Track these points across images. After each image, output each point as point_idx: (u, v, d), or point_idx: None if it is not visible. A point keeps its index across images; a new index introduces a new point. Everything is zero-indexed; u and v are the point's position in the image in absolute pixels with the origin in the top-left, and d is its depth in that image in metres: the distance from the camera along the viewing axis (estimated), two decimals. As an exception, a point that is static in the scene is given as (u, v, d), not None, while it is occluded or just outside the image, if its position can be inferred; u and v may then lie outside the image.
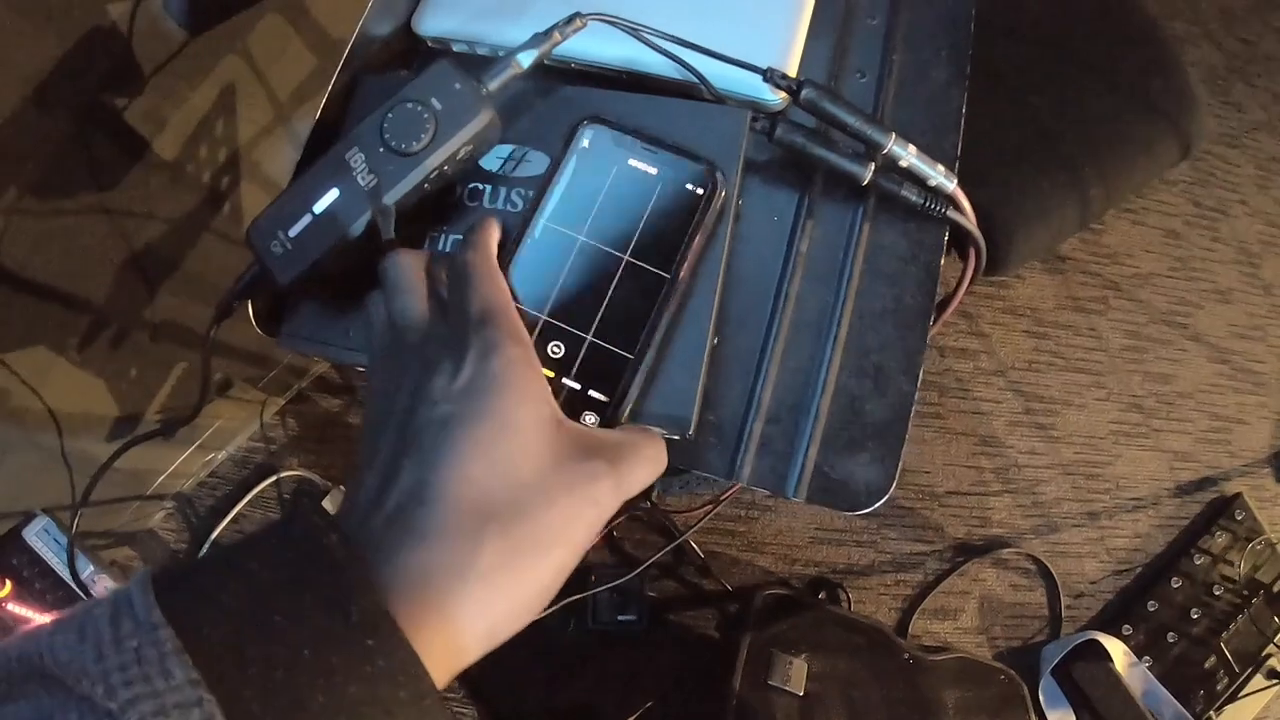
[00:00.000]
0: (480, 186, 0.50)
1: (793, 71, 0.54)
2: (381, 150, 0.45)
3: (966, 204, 0.52)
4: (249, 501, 1.27)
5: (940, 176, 0.51)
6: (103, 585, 0.87)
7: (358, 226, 0.45)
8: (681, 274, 0.42)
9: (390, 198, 0.45)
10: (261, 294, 0.51)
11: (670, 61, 0.52)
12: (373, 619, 0.23)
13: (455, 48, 0.57)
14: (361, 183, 0.45)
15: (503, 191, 0.50)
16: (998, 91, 0.98)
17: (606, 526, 1.18)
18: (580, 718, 1.17)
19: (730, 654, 1.05)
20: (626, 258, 0.42)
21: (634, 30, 0.51)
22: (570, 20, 0.48)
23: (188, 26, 0.85)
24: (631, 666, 1.15)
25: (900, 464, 0.50)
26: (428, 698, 0.22)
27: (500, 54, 0.52)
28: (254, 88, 0.92)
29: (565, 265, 0.42)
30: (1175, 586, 1.23)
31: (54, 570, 0.89)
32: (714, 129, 0.50)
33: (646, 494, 1.16)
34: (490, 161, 0.50)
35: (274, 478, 1.26)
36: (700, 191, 0.44)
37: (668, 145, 0.44)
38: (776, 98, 0.52)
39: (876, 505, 0.49)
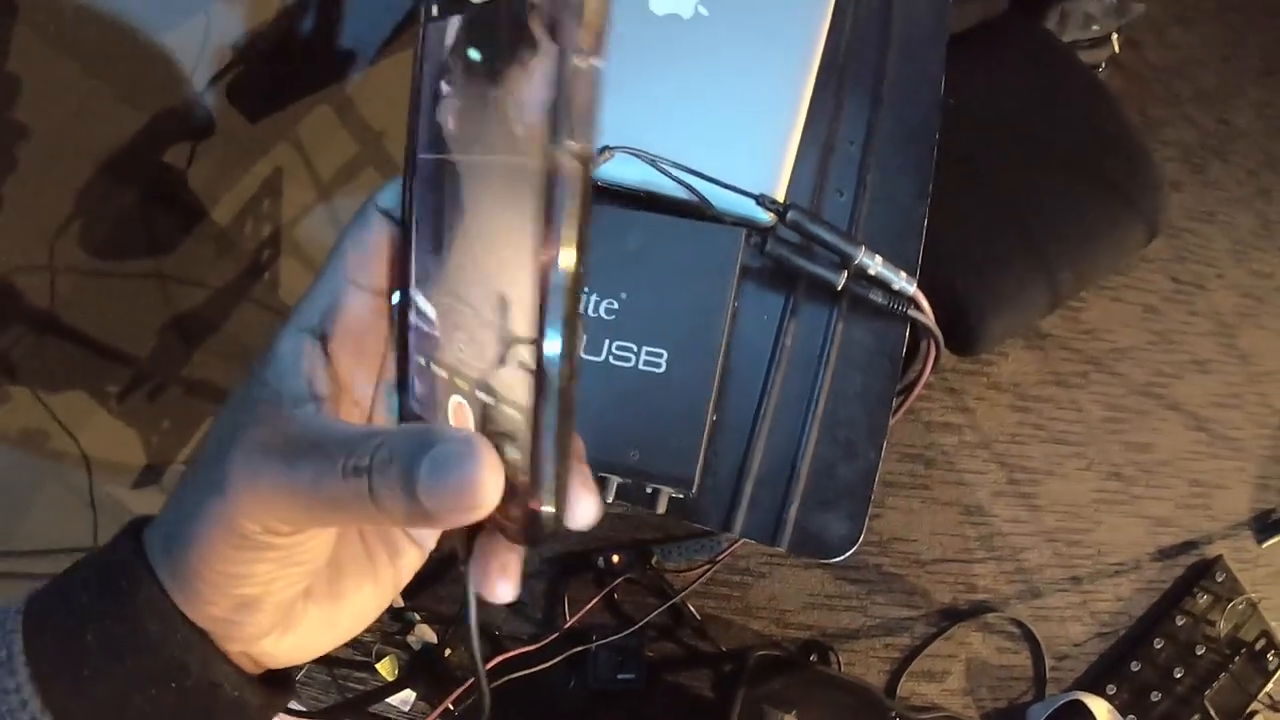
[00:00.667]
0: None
1: (782, 191, 0.66)
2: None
3: (925, 304, 0.63)
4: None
5: (902, 282, 0.63)
6: None
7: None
8: None
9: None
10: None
11: (680, 185, 0.64)
12: (134, 578, 0.26)
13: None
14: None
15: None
16: (971, 179, 1.09)
17: (607, 589, 1.26)
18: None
19: (724, 710, 1.12)
20: None
21: (652, 160, 0.62)
22: (600, 152, 0.60)
23: (248, 114, 0.98)
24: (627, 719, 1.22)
25: (866, 520, 0.60)
26: (178, 631, 0.26)
27: None
28: (300, 171, 1.04)
29: None
30: (1158, 647, 1.30)
31: None
32: (715, 245, 0.62)
33: (647, 559, 1.25)
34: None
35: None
36: None
37: None
38: (767, 216, 0.64)
39: (848, 553, 0.59)
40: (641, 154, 0.62)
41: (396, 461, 0.22)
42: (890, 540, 1.36)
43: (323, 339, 0.28)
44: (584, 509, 0.24)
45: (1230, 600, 1.31)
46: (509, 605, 1.28)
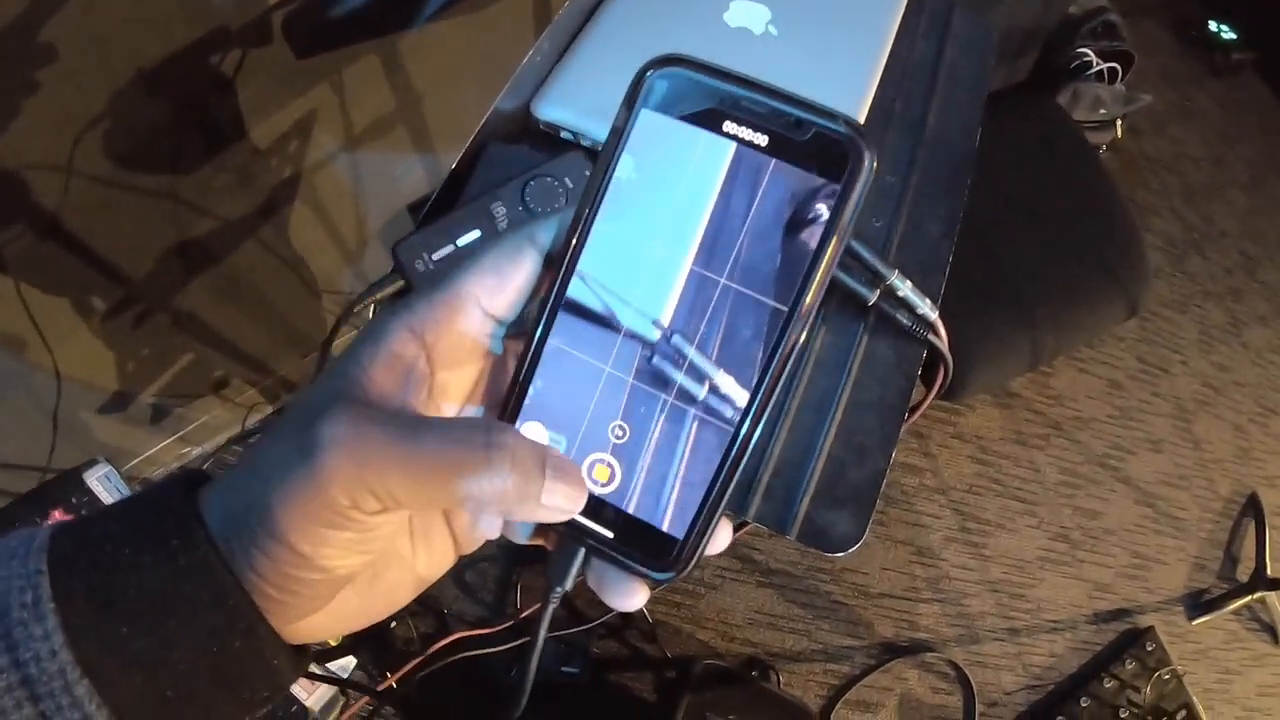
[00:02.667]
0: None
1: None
2: (520, 209, 0.62)
3: (943, 332, 0.71)
4: (218, 498, 1.36)
5: (926, 308, 0.71)
6: None
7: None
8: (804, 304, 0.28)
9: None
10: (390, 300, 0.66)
11: None
12: (188, 538, 0.26)
13: (563, 134, 0.75)
14: (500, 230, 0.61)
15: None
16: (972, 239, 1.19)
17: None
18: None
19: (668, 715, 1.18)
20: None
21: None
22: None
23: (296, 49, 1.01)
24: (567, 717, 1.27)
25: (870, 521, 0.67)
26: (229, 598, 0.26)
27: (599, 148, 0.71)
28: (334, 117, 1.08)
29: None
30: (1084, 705, 1.40)
31: None
32: None
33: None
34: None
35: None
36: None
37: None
38: None
39: (851, 549, 0.66)
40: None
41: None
42: (842, 570, 1.44)
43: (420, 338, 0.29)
44: (721, 539, 0.30)
45: (1157, 670, 1.42)
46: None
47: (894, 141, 0.84)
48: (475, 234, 0.61)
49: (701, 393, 0.28)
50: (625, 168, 0.29)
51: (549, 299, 0.30)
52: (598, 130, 0.73)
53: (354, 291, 1.31)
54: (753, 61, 0.79)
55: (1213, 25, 1.86)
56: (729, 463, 0.28)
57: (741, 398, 0.28)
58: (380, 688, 1.09)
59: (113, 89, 0.95)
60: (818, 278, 0.27)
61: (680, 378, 0.29)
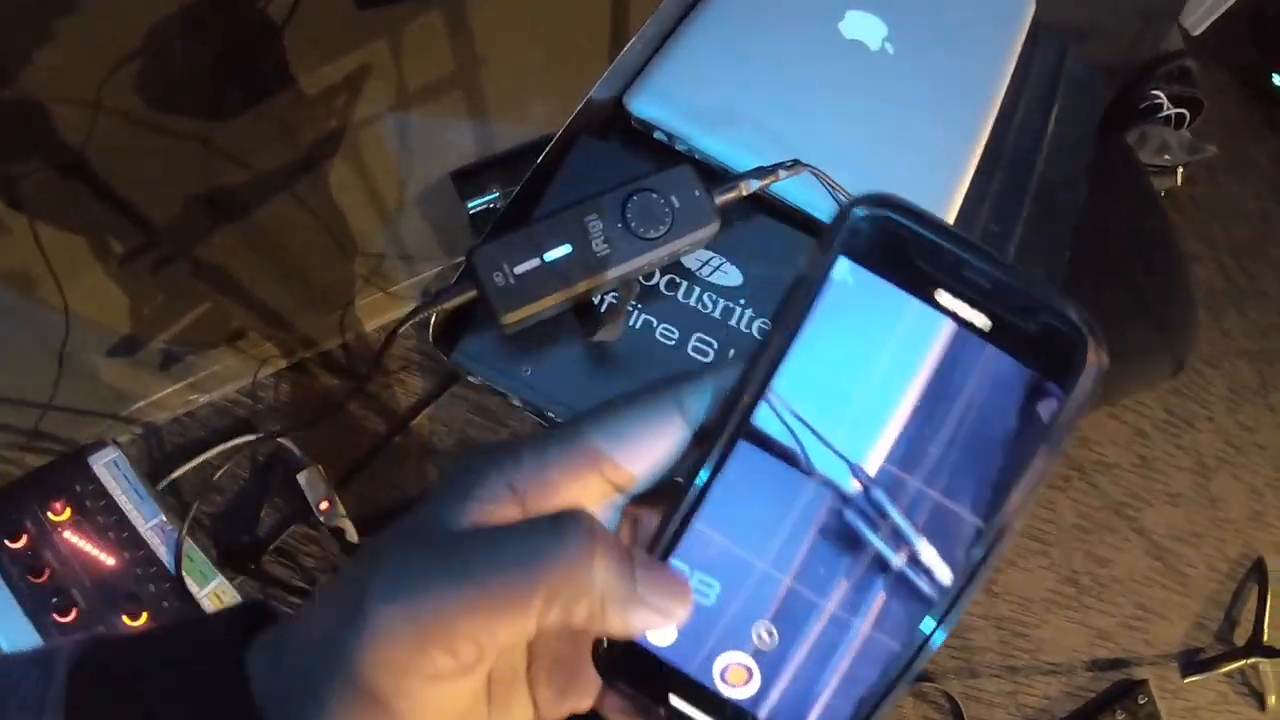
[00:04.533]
0: (678, 280, 0.58)
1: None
2: (620, 226, 0.53)
3: None
4: (220, 453, 1.28)
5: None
6: (162, 532, 0.86)
7: (584, 285, 0.52)
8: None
9: (615, 271, 0.52)
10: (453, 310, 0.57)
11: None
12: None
13: (656, 135, 0.66)
14: (595, 248, 0.52)
15: (696, 290, 0.58)
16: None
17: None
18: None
19: None
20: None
21: (831, 188, 0.60)
22: (792, 165, 0.57)
23: (359, 1, 0.91)
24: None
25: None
26: None
27: (696, 155, 0.62)
28: (387, 75, 0.99)
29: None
30: (1070, 752, 1.36)
31: (118, 506, 0.87)
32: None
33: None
34: (690, 260, 0.58)
35: (252, 437, 1.28)
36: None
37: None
38: None
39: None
40: (824, 177, 0.60)
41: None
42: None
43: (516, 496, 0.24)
44: None
45: (1145, 724, 1.38)
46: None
47: (1000, 185, 0.76)
48: (565, 249, 0.53)
49: (871, 604, 0.23)
50: (811, 328, 0.23)
51: (697, 478, 0.23)
52: (694, 135, 0.64)
53: (386, 254, 1.24)
54: (866, 79, 0.70)
55: (1276, 79, 1.77)
56: (902, 672, 0.23)
57: (918, 614, 0.23)
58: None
59: (152, 25, 0.86)
60: (1025, 491, 0.22)
61: (845, 589, 0.23)
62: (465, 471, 0.24)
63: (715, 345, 0.57)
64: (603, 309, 0.57)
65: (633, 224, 0.53)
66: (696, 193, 0.54)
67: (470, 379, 0.59)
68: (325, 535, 1.25)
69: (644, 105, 0.66)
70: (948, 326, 0.23)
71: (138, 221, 1.03)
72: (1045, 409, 0.22)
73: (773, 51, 0.70)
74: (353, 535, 1.24)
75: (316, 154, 1.05)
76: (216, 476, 1.29)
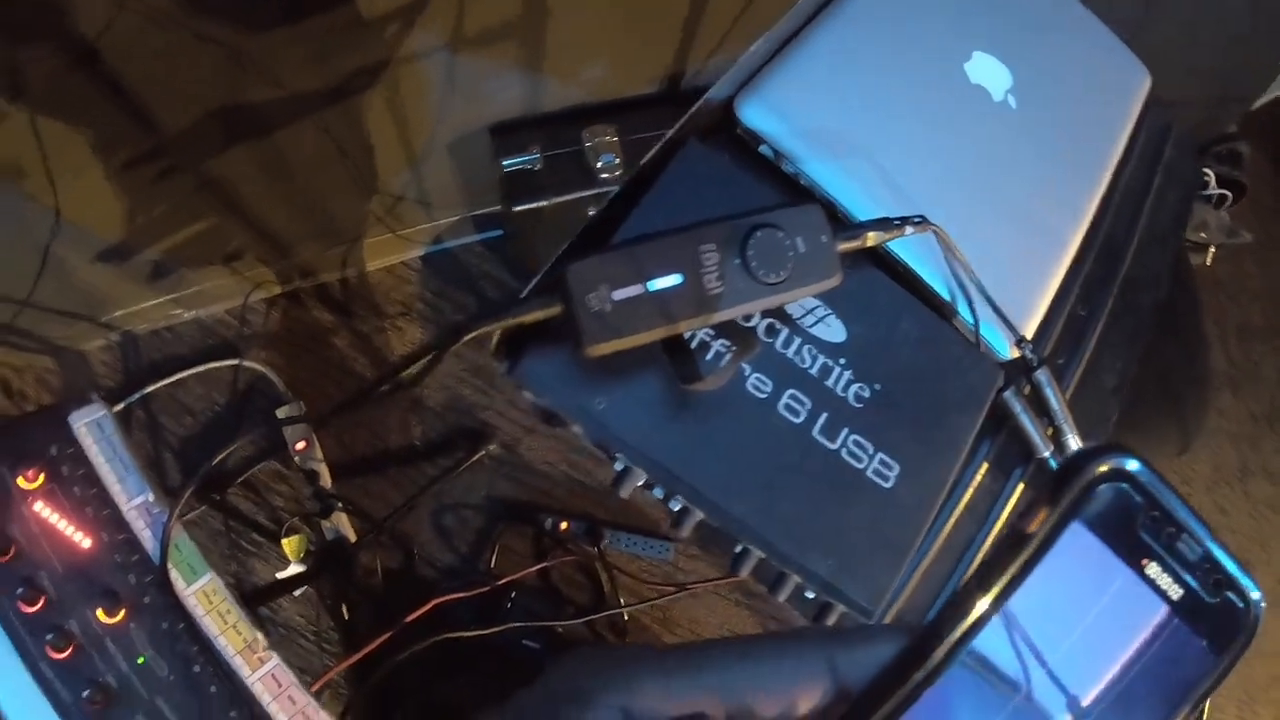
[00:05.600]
0: (778, 326, 0.52)
1: (1031, 328, 0.61)
2: (737, 263, 0.46)
3: None
4: (198, 374, 1.19)
5: None
6: (147, 514, 0.71)
7: (688, 325, 0.46)
8: None
9: (725, 313, 0.46)
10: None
11: (944, 279, 0.56)
12: None
13: (761, 149, 0.59)
14: (706, 284, 0.46)
15: (796, 341, 0.52)
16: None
17: (546, 561, 1.19)
18: (446, 717, 1.16)
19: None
20: None
21: (948, 251, 0.54)
22: (920, 223, 0.51)
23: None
24: (517, 688, 1.16)
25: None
26: None
27: (800, 180, 0.55)
28: (447, 12, 0.89)
29: None
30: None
31: (98, 476, 0.72)
32: (971, 371, 0.58)
33: (596, 540, 1.18)
34: (793, 306, 0.52)
35: (234, 361, 1.19)
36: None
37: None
38: (1007, 354, 0.58)
39: None
40: (949, 241, 0.54)
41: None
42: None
43: None
44: None
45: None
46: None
47: (1094, 270, 0.71)
48: (675, 280, 0.45)
49: None
50: (1020, 593, 0.21)
51: None
52: (802, 158, 0.58)
53: (404, 196, 1.15)
54: (985, 130, 0.64)
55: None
56: None
57: None
58: (339, 669, 0.95)
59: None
60: None
61: None
62: (574, 689, 0.22)
63: (808, 407, 0.51)
64: (693, 345, 0.50)
65: (752, 263, 0.46)
66: (823, 239, 0.48)
67: (526, 395, 0.52)
68: (297, 476, 1.18)
69: (754, 114, 0.59)
70: (1159, 608, 0.22)
71: (147, 126, 0.93)
72: (1195, 669, 0.22)
73: (893, 78, 0.63)
74: (326, 480, 1.17)
75: (353, 83, 0.95)
76: (190, 398, 1.21)
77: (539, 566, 1.17)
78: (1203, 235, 1.37)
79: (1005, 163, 0.65)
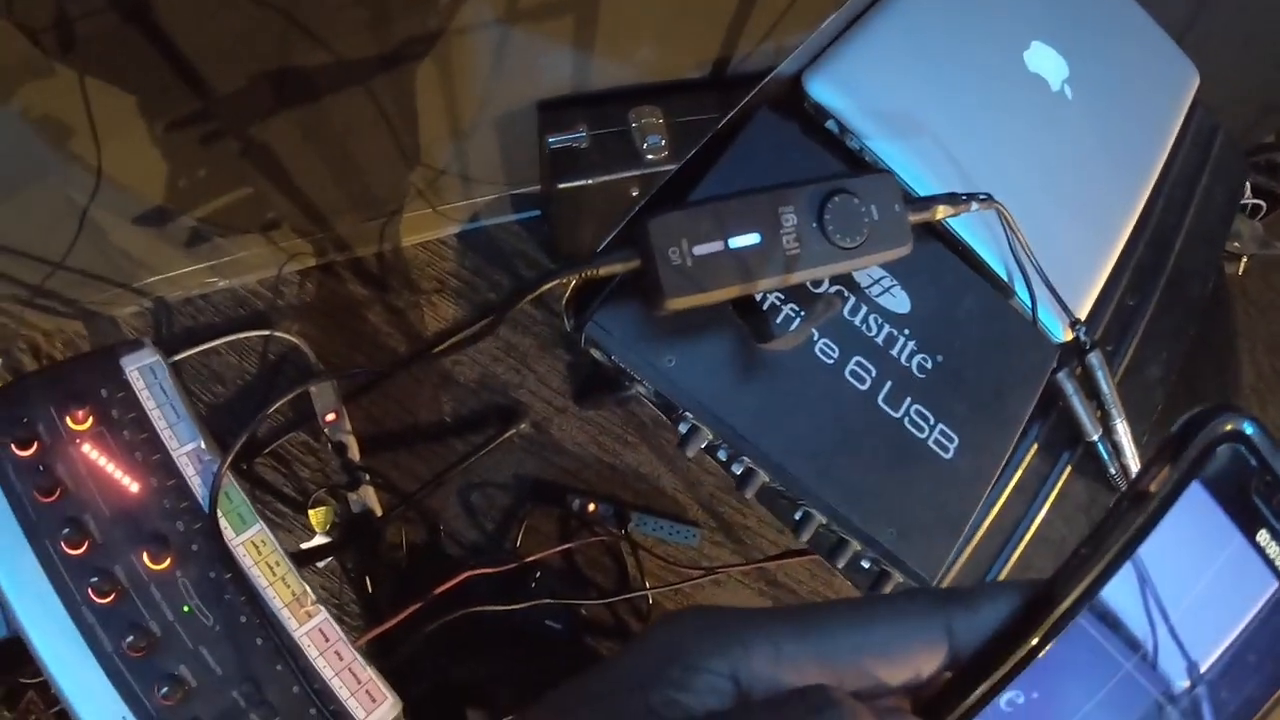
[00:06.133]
0: (845, 293, 0.53)
1: (1084, 310, 0.62)
2: (814, 226, 0.47)
3: None
4: (230, 342, 1.21)
5: (1132, 459, 0.63)
6: (198, 460, 0.69)
7: (765, 283, 0.46)
8: None
9: (801, 274, 0.47)
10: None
11: (1002, 258, 0.57)
12: None
13: (828, 124, 0.60)
14: (784, 244, 0.47)
15: (863, 309, 0.53)
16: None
17: (573, 542, 1.20)
18: (464, 696, 1.17)
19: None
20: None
21: (1009, 230, 0.55)
22: (985, 200, 0.52)
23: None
24: (537, 669, 1.17)
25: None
26: None
27: (865, 155, 0.57)
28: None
29: None
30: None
31: (149, 421, 0.70)
32: (1029, 349, 0.59)
33: (623, 523, 1.19)
34: (861, 274, 0.53)
35: (267, 332, 1.20)
36: None
37: None
38: (1061, 336, 0.59)
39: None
40: (1006, 214, 0.55)
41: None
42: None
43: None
44: None
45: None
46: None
47: (1144, 259, 0.72)
48: (754, 239, 0.47)
49: None
50: (1139, 553, 0.21)
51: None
52: (867, 134, 0.59)
53: (446, 170, 1.16)
54: (1041, 117, 0.65)
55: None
56: None
57: None
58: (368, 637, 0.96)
59: None
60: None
61: None
62: (679, 651, 0.21)
63: (874, 374, 0.52)
64: (764, 307, 0.51)
65: (829, 227, 0.47)
66: (896, 208, 0.49)
67: (593, 354, 0.53)
68: (326, 448, 1.19)
69: (820, 88, 0.60)
70: (1272, 583, 0.22)
71: (196, 87, 0.95)
72: None
73: (955, 62, 0.65)
74: (355, 453, 1.18)
75: (405, 52, 0.96)
76: (221, 367, 1.22)
77: (565, 547, 1.18)
78: (1236, 245, 1.38)
79: (1060, 150, 0.66)
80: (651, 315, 0.49)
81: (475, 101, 1.05)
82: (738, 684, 0.20)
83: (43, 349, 1.36)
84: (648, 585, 1.18)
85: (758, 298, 0.51)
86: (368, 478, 1.17)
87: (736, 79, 1.11)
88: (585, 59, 1.03)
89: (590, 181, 1.01)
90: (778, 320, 0.51)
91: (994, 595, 0.22)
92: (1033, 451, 0.63)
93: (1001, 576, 0.60)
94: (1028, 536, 0.62)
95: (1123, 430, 0.63)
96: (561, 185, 1.01)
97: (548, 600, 1.08)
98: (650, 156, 1.02)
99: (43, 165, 0.97)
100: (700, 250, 0.46)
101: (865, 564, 0.55)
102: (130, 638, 0.62)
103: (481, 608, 1.00)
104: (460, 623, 1.09)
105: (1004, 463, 0.57)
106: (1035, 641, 0.21)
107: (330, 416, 1.16)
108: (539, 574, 1.17)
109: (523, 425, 1.19)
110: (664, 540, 1.22)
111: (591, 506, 1.18)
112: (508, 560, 1.13)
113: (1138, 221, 0.68)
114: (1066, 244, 0.63)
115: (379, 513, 1.17)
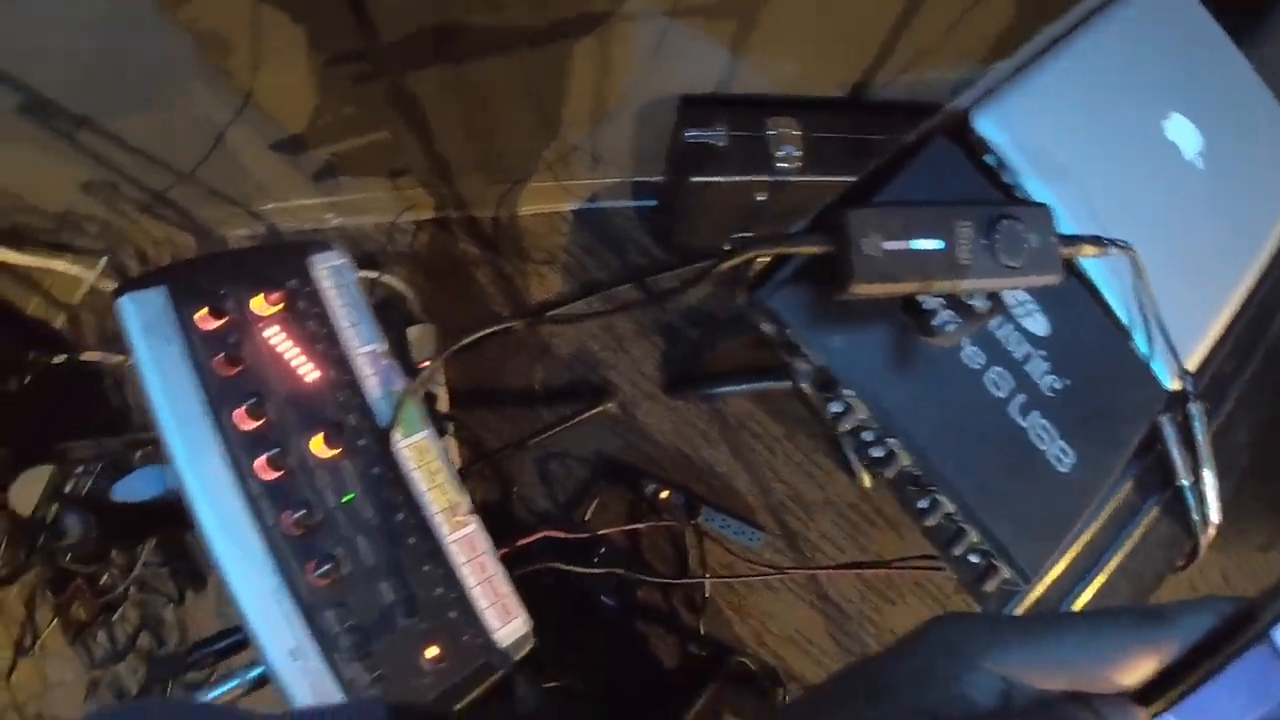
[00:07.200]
0: (996, 308, 0.64)
1: (1194, 362, 0.73)
2: (984, 243, 0.59)
3: (1212, 535, 0.74)
4: (336, 279, 1.32)
5: (1214, 511, 0.73)
6: (372, 356, 0.77)
7: (938, 285, 0.58)
8: None
9: (969, 284, 0.58)
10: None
11: (1125, 303, 0.68)
12: None
13: (986, 158, 0.71)
14: (959, 255, 0.58)
15: (1008, 326, 0.65)
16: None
17: (642, 524, 1.30)
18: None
19: (686, 688, 1.19)
20: None
21: (1139, 279, 0.66)
22: (1124, 248, 0.64)
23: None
24: (585, 640, 1.28)
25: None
26: None
27: (1016, 191, 0.68)
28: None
29: None
30: None
31: (331, 318, 0.78)
32: (1138, 388, 0.70)
33: (693, 514, 1.30)
34: (1009, 294, 0.64)
35: (375, 274, 1.33)
36: None
37: None
38: (1169, 384, 0.70)
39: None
40: (1139, 263, 0.66)
41: None
42: (890, 631, 1.44)
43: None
44: None
45: None
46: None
47: (1248, 330, 0.83)
48: (937, 244, 0.58)
49: None
50: None
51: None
52: (1020, 169, 0.71)
53: (579, 147, 1.28)
54: (1172, 183, 0.78)
55: None
56: None
57: None
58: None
59: None
60: None
61: None
62: (958, 650, 0.26)
63: (1010, 385, 0.64)
64: (923, 307, 0.63)
65: (996, 246, 0.59)
66: (1051, 240, 0.60)
67: (764, 327, 0.65)
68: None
69: (986, 125, 0.71)
70: None
71: (364, 28, 1.06)
72: None
73: (1102, 121, 0.77)
74: (444, 404, 1.30)
75: (568, 29, 1.09)
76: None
77: (632, 527, 1.30)
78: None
79: (1186, 215, 0.78)
80: (829, 298, 0.60)
81: (624, 86, 1.17)
82: (1007, 684, 0.25)
83: (150, 256, 1.50)
84: (707, 575, 1.30)
85: (919, 300, 0.62)
86: (452, 428, 1.29)
87: (872, 104, 1.23)
88: (736, 62, 1.15)
89: (721, 179, 1.13)
90: (934, 322, 0.63)
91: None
92: (1129, 486, 0.74)
93: (1084, 598, 0.71)
94: (1112, 565, 0.72)
95: (1210, 481, 0.73)
96: (694, 179, 1.13)
97: (617, 571, 1.19)
98: (782, 165, 1.14)
99: (194, 78, 1.08)
100: (889, 246, 0.58)
101: (973, 558, 0.66)
102: (293, 514, 0.69)
103: (557, 564, 1.12)
104: (525, 579, 1.20)
105: (1109, 486, 0.68)
106: (1234, 650, 0.25)
107: (425, 364, 1.28)
108: (603, 550, 1.29)
109: (611, 405, 1.31)
110: (727, 538, 1.34)
111: (664, 493, 1.30)
112: (580, 530, 1.25)
113: (1248, 293, 0.79)
114: (1183, 301, 0.74)
115: (458, 465, 1.29)
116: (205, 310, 0.75)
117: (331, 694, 0.67)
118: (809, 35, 1.13)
